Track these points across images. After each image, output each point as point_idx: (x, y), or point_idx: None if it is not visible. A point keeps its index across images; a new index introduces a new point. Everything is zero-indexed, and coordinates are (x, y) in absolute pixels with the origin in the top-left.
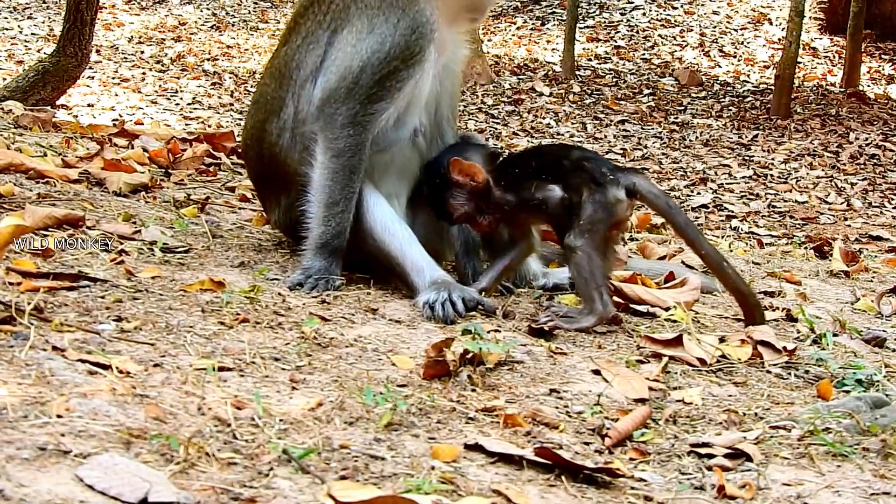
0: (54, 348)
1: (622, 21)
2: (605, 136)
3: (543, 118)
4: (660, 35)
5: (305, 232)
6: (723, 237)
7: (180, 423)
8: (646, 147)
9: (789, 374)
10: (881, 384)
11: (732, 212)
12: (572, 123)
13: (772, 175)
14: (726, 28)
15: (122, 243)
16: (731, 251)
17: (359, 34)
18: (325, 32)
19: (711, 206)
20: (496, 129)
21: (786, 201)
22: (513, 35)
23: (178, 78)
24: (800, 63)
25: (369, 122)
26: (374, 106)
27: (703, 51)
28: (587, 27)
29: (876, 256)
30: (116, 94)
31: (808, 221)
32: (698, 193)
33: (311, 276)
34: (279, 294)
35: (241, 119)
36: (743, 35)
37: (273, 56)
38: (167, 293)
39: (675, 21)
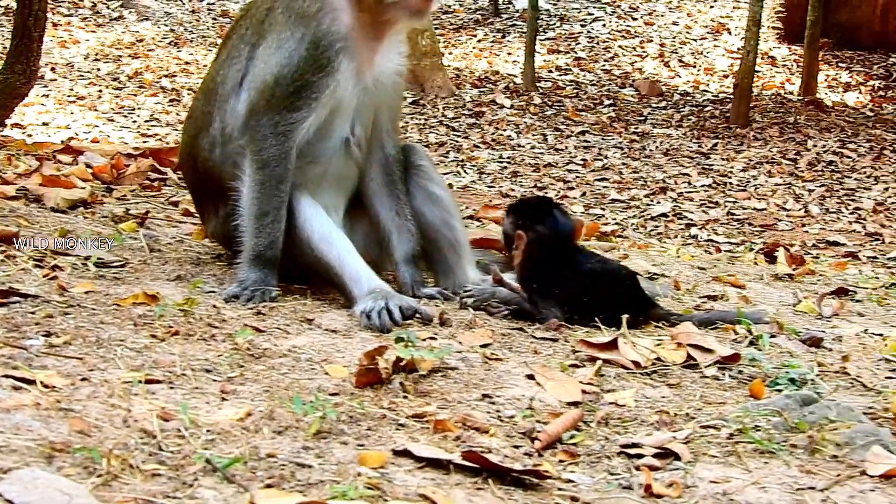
0: None
1: (582, 33)
2: (566, 147)
3: (504, 130)
4: (620, 46)
5: (240, 245)
6: (682, 245)
7: (105, 435)
8: (606, 157)
9: (724, 374)
10: (813, 383)
11: (692, 220)
12: (533, 135)
13: (731, 183)
14: (685, 38)
15: (55, 259)
16: (679, 256)
17: (270, 49)
18: (245, 47)
19: (671, 215)
20: (457, 141)
21: (745, 209)
22: (473, 48)
23: (135, 95)
24: (758, 72)
25: (290, 132)
26: (292, 115)
27: (662, 61)
28: (548, 39)
29: (824, 260)
30: (72, 113)
31: (767, 228)
32: (658, 202)
33: (246, 288)
34: (214, 306)
35: None
36: (702, 45)
37: (206, 73)
38: (99, 307)
39: (635, 32)
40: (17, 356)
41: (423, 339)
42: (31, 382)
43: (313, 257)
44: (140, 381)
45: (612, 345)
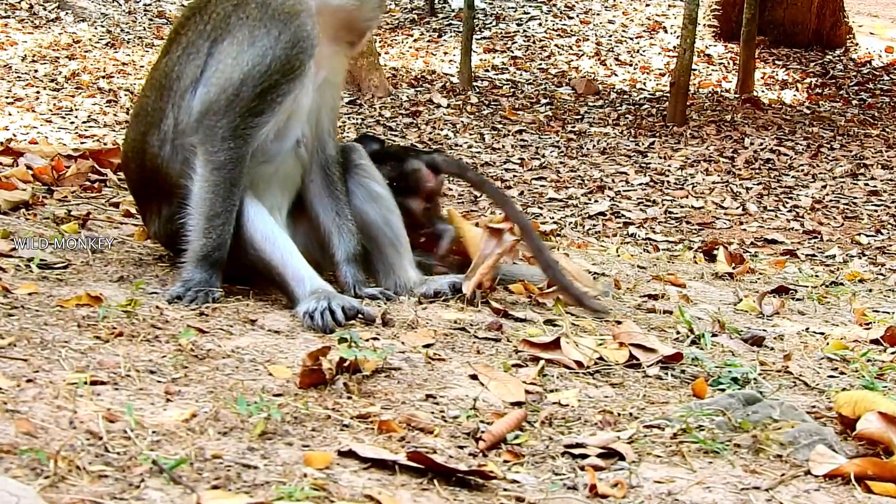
0: None
1: (518, 32)
2: (504, 147)
3: (441, 130)
4: (556, 45)
5: (185, 244)
6: (621, 244)
7: (51, 437)
8: (543, 156)
9: (666, 374)
10: (756, 382)
11: (630, 219)
12: (470, 134)
13: (668, 181)
14: (621, 37)
15: None
16: (619, 255)
17: (240, 45)
18: (205, 42)
19: (609, 214)
20: (395, 141)
21: (682, 207)
22: (410, 47)
23: (72, 96)
24: (695, 70)
25: (250, 136)
26: (254, 119)
27: (599, 60)
28: (484, 38)
29: (763, 258)
30: (10, 114)
31: (705, 227)
32: (596, 201)
33: (190, 289)
34: (157, 307)
35: None
36: (638, 43)
37: (154, 68)
38: (43, 309)
39: (571, 31)
40: None
41: (366, 340)
42: None
43: (256, 257)
44: (85, 383)
45: (554, 344)
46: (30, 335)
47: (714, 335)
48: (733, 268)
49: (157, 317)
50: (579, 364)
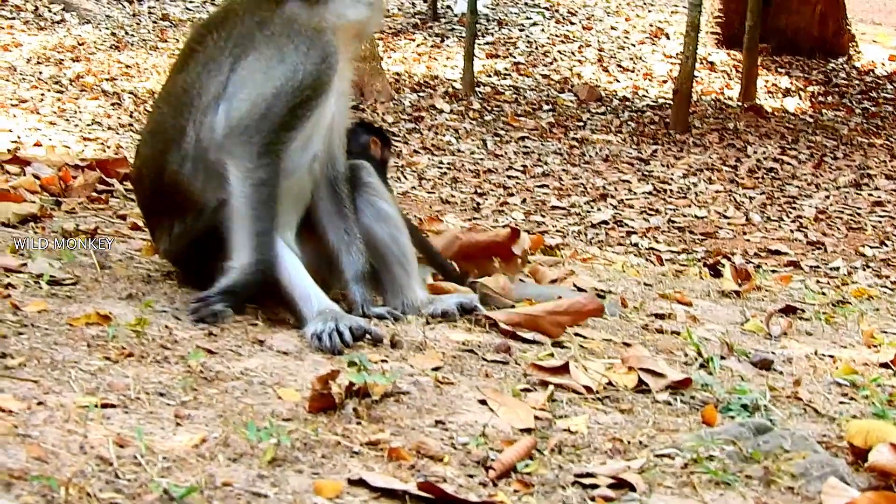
0: None
1: (521, 37)
2: (506, 153)
3: (444, 135)
4: (559, 51)
5: (223, 261)
6: (624, 253)
7: (62, 462)
8: (546, 163)
9: (675, 399)
10: (766, 409)
11: (633, 227)
12: (472, 140)
13: (671, 190)
14: (624, 43)
15: (8, 276)
16: (624, 272)
17: (268, 61)
18: (227, 59)
19: (612, 222)
20: (397, 147)
21: (685, 216)
22: (413, 52)
23: (76, 98)
24: (697, 77)
25: (283, 151)
26: (287, 134)
27: (601, 66)
28: (486, 44)
29: (771, 272)
30: (14, 116)
31: (708, 236)
32: (598, 209)
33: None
34: (166, 326)
35: (140, 139)
36: (641, 50)
37: (168, 83)
38: (53, 327)
39: (574, 37)
40: None
41: (375, 362)
42: None
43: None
44: (95, 406)
45: (563, 369)
46: (40, 355)
47: (722, 358)
48: (740, 285)
49: (166, 336)
50: (588, 389)
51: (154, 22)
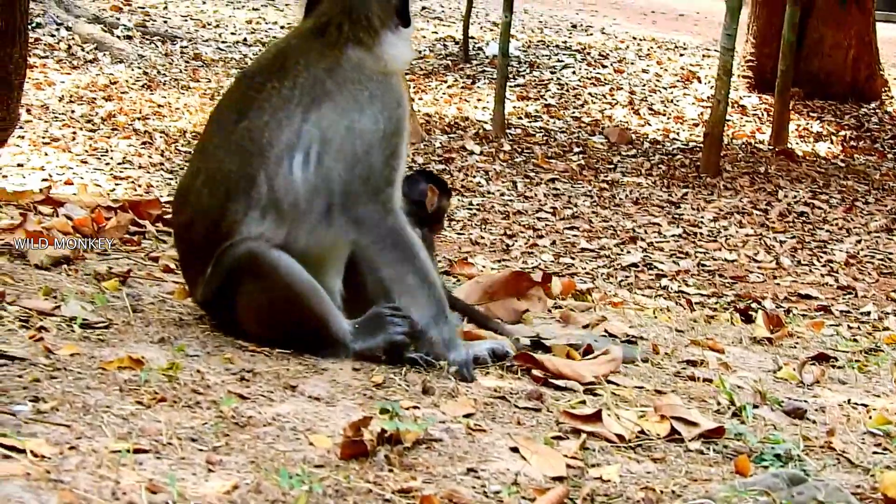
0: None
1: (552, 79)
2: (536, 195)
3: (474, 177)
4: (590, 93)
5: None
6: (654, 296)
7: None
8: (576, 205)
9: (708, 449)
10: (800, 459)
11: (662, 270)
12: (503, 182)
13: (701, 233)
14: (655, 86)
15: (41, 319)
16: (656, 317)
17: (348, 114)
18: (297, 108)
19: (641, 265)
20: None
21: (715, 259)
22: (443, 93)
23: (108, 137)
24: (728, 121)
25: (397, 202)
26: (392, 188)
27: (632, 109)
28: (517, 86)
29: (802, 316)
30: (46, 154)
31: (738, 280)
32: (628, 252)
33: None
34: (198, 371)
35: (171, 179)
36: (672, 93)
37: (223, 131)
38: (85, 371)
39: (605, 80)
40: (5, 422)
41: (407, 409)
42: (21, 451)
43: (298, 316)
44: (128, 451)
45: (595, 417)
46: (72, 399)
47: (755, 406)
48: (772, 331)
49: (198, 381)
50: (621, 437)
51: (186, 62)
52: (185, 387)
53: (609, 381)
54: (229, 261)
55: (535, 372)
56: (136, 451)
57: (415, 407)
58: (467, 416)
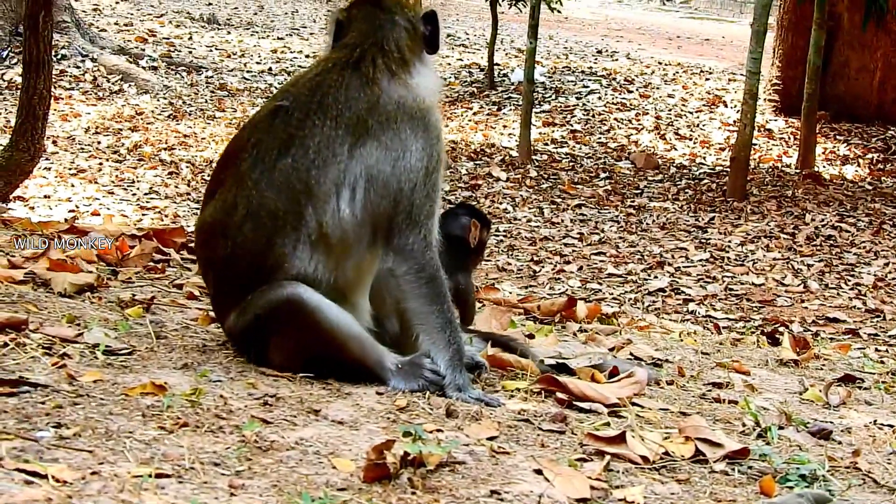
0: None
1: (578, 105)
2: (562, 221)
3: (500, 203)
4: (615, 119)
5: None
6: (681, 321)
7: None
8: (602, 231)
9: (733, 470)
10: (825, 479)
11: (689, 295)
12: (529, 208)
13: (728, 258)
14: (681, 111)
15: (64, 346)
16: (682, 340)
17: (394, 152)
18: (342, 146)
19: (669, 290)
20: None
21: (743, 284)
22: (469, 120)
23: (134, 168)
24: (755, 145)
25: (435, 238)
26: (432, 222)
27: (658, 134)
28: (543, 112)
29: (830, 340)
30: (73, 185)
31: (765, 304)
32: (655, 277)
33: (477, 397)
34: (221, 396)
35: (198, 209)
36: (698, 117)
37: (260, 165)
38: (108, 397)
39: (631, 105)
40: (28, 449)
41: (430, 432)
42: (43, 477)
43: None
44: (150, 476)
45: (619, 438)
46: (95, 425)
47: (781, 428)
48: (798, 354)
49: (221, 406)
50: (645, 459)
51: (211, 92)
52: (207, 412)
53: (633, 403)
54: (267, 302)
55: (559, 394)
56: (159, 476)
57: (438, 430)
58: (491, 438)
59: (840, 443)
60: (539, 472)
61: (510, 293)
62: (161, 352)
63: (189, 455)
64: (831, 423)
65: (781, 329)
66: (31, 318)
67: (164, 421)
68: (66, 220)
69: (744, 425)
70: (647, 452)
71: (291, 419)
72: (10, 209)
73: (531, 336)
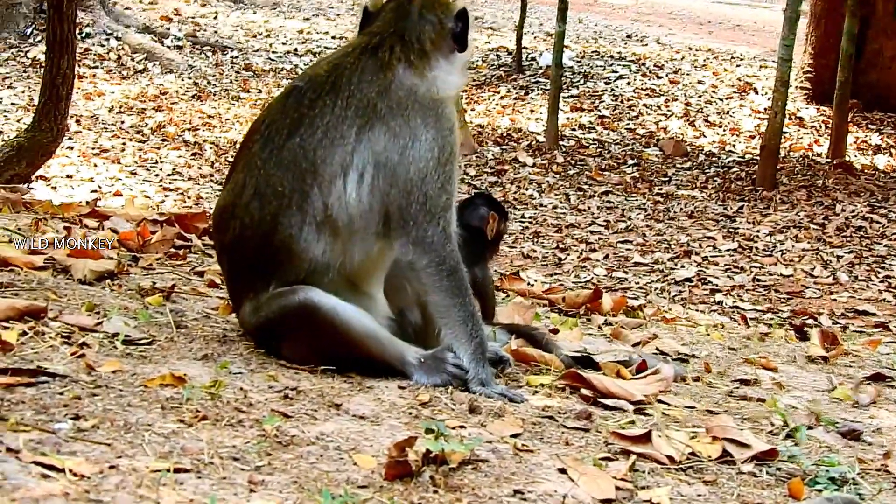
0: (8, 450)
1: (606, 90)
2: (589, 208)
3: (527, 189)
4: (644, 105)
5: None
6: (707, 311)
7: None
8: (629, 219)
9: (761, 471)
10: (854, 482)
11: (717, 285)
12: (555, 195)
13: (757, 248)
14: (711, 97)
15: (83, 336)
16: (709, 335)
17: (403, 139)
18: (350, 129)
19: (695, 280)
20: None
21: (771, 275)
22: (496, 104)
23: (158, 148)
24: (786, 133)
25: (453, 227)
26: (449, 214)
27: (688, 120)
28: (571, 96)
29: (858, 333)
30: (96, 165)
31: (794, 296)
32: (682, 266)
33: (501, 393)
34: (241, 389)
35: (220, 190)
36: (728, 104)
37: (269, 146)
38: (127, 389)
39: (660, 90)
40: (45, 441)
41: (453, 428)
42: (60, 471)
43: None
44: (168, 470)
45: (645, 437)
46: (113, 417)
47: (809, 428)
48: (827, 350)
49: (241, 399)
50: (671, 459)
51: (237, 72)
52: (227, 405)
53: (659, 401)
54: (280, 307)
55: (584, 391)
56: (177, 471)
57: (461, 426)
58: (514, 436)
59: (870, 444)
60: (563, 471)
61: (534, 282)
62: (181, 342)
63: (208, 449)
64: (861, 423)
65: (810, 322)
66: (50, 305)
67: (184, 414)
68: (87, 202)
69: (772, 424)
70: (673, 452)
71: (312, 413)
72: (32, 189)
73: (555, 331)
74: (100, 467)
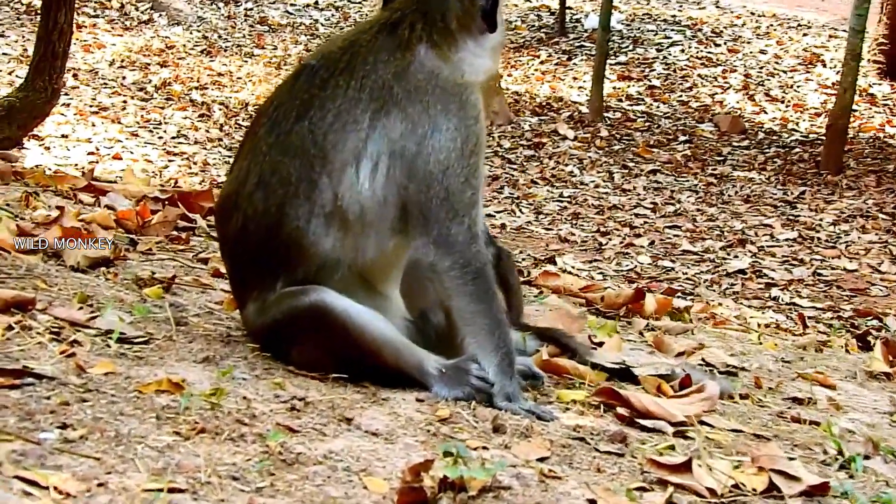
0: None
1: (658, 58)
2: (634, 188)
3: (566, 165)
4: (699, 75)
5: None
6: (761, 307)
7: None
8: (679, 202)
9: None
10: None
11: (773, 279)
12: (598, 172)
13: (819, 238)
14: (774, 69)
15: (74, 332)
16: (761, 344)
17: (418, 127)
18: (363, 113)
19: (749, 272)
20: (513, 175)
21: (833, 269)
22: (535, 70)
23: (162, 108)
24: (855, 111)
25: (480, 225)
26: (475, 211)
27: (747, 94)
28: (618, 64)
29: None
30: (94, 125)
31: (858, 293)
32: (735, 257)
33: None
34: (244, 398)
35: (230, 157)
36: (792, 78)
37: (275, 131)
38: (120, 394)
39: (718, 60)
40: (29, 453)
41: (474, 449)
42: (44, 488)
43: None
44: (161, 490)
45: (685, 466)
46: (104, 427)
47: (866, 457)
48: (890, 365)
49: (243, 410)
50: (712, 492)
51: (251, 26)
52: (228, 416)
53: (702, 422)
54: (290, 309)
55: (620, 409)
56: (171, 491)
57: (483, 447)
58: (541, 459)
59: None
60: (593, 501)
61: (572, 268)
62: (180, 341)
63: (206, 467)
64: None
65: (874, 325)
66: (39, 296)
67: (181, 425)
68: (83, 172)
69: (825, 453)
70: (714, 484)
71: (320, 428)
72: (24, 149)
73: (600, 343)
74: (87, 485)
